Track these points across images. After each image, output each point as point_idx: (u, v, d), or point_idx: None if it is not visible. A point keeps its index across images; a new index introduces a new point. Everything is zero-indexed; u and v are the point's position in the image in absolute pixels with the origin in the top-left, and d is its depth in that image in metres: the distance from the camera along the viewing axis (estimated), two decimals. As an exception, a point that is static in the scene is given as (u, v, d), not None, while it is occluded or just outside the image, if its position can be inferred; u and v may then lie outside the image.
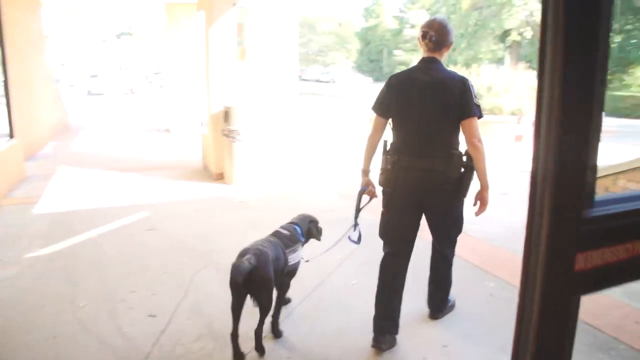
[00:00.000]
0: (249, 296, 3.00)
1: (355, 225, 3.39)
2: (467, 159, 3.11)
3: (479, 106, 3.05)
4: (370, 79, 60.42)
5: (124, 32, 50.58)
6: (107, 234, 5.41)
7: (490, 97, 16.98)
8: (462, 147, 3.17)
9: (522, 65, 20.30)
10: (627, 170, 7.60)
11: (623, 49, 36.09)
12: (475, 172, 3.12)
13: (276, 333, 3.34)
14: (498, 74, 18.54)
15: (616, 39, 37.98)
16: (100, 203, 6.67)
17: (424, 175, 3.06)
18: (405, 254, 3.25)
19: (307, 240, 3.64)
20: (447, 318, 3.67)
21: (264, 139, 7.58)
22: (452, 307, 3.75)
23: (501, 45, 34.15)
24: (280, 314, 3.41)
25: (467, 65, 22.70)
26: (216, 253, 4.79)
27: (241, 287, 2.90)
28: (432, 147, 3.06)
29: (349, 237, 3.45)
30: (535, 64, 1.03)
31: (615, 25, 37.87)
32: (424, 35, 3.06)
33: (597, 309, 3.73)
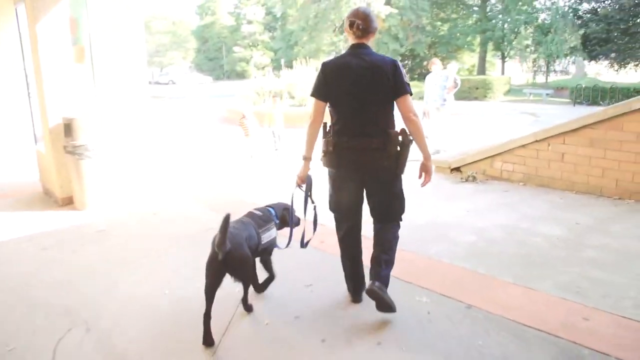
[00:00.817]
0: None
1: (305, 210, 3.57)
2: (403, 137, 3.30)
3: (409, 84, 3.29)
4: (210, 78, 58.97)
5: None
6: None
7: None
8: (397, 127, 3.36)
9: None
10: (502, 153, 7.61)
11: (451, 36, 38.90)
12: (409, 149, 3.34)
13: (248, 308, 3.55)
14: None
15: (444, 27, 40.99)
16: None
17: (364, 154, 3.27)
18: (356, 223, 3.57)
19: (281, 226, 3.83)
20: (391, 347, 3.05)
21: (116, 152, 6.43)
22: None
23: (342, 37, 34.87)
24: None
25: (312, 57, 22.67)
26: (82, 307, 3.71)
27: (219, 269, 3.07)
28: (370, 126, 3.27)
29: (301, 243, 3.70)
30: None
31: (442, 15, 40.73)
32: (352, 24, 3.31)
33: (539, 308, 3.57)
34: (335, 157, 3.35)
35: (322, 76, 3.35)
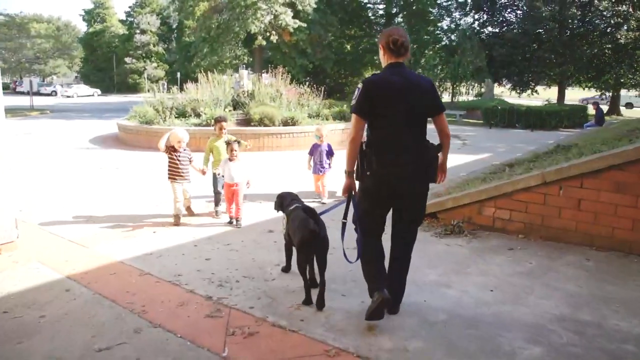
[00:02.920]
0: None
1: (344, 226, 3.72)
2: (434, 149, 3.61)
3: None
4: (98, 90, 54.42)
5: None
6: None
7: (255, 105, 14.82)
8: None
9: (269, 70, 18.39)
10: (496, 196, 5.92)
11: (358, 53, 38.06)
12: (438, 160, 3.66)
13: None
14: (257, 82, 16.49)
15: (349, 44, 40.13)
16: None
17: (404, 168, 3.46)
18: (379, 235, 3.74)
19: None
20: None
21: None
22: None
23: (246, 50, 32.79)
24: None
25: (213, 70, 20.35)
26: None
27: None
28: (410, 142, 3.48)
29: (346, 257, 3.76)
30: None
31: (349, 32, 39.85)
32: (396, 42, 3.48)
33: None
34: (376, 172, 3.47)
35: (365, 93, 3.44)
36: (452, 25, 35.19)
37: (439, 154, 3.63)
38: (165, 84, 38.03)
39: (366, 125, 3.50)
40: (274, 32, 28.47)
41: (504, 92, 37.67)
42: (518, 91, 33.80)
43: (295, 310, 3.78)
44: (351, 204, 3.62)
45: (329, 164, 7.60)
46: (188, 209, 6.59)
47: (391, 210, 3.73)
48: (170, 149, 6.36)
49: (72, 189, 8.29)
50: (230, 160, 6.18)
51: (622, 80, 30.72)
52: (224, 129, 6.83)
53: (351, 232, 3.78)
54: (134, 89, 57.60)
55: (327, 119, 15.66)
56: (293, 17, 28.66)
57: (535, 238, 5.69)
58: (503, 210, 5.90)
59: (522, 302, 4.02)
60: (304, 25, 29.32)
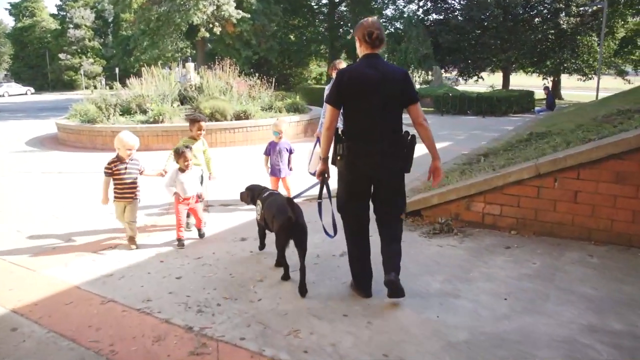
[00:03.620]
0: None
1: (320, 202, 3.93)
2: (410, 140, 3.64)
3: (417, 92, 3.75)
4: (31, 89, 51.63)
5: None
6: None
7: (205, 99, 14.06)
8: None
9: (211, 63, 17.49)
10: (485, 191, 5.53)
11: (303, 44, 37.45)
12: (414, 150, 3.71)
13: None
14: (207, 75, 15.65)
15: (293, 34, 39.46)
16: None
17: (377, 156, 3.55)
18: (364, 222, 3.84)
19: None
20: None
21: None
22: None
23: (188, 43, 31.61)
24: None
25: (155, 64, 19.34)
26: None
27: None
28: (383, 131, 3.56)
29: (325, 231, 3.97)
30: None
31: (293, 22, 39.13)
32: (371, 35, 3.56)
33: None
34: (350, 160, 3.61)
35: (338, 85, 3.61)
36: (397, 13, 35.11)
37: (413, 145, 3.69)
38: (104, 80, 36.36)
39: (341, 114, 3.68)
40: (217, 24, 27.44)
41: (451, 79, 37.97)
42: (464, 78, 33.97)
43: (294, 338, 3.22)
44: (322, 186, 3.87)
45: (289, 166, 6.46)
46: (131, 240, 5.14)
47: (372, 209, 3.85)
48: (114, 164, 4.99)
49: (12, 200, 7.34)
50: (182, 170, 5.13)
51: (565, 65, 31.35)
52: (202, 130, 5.70)
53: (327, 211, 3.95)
54: (71, 86, 54.99)
55: (280, 112, 15.07)
56: (236, 8, 27.71)
57: (529, 234, 5.33)
58: (493, 205, 5.51)
59: (542, 311, 3.60)
60: (248, 15, 28.43)
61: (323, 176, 3.79)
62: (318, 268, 4.40)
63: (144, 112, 13.76)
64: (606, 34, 27.13)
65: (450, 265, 4.52)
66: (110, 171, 4.97)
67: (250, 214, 6.26)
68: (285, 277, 4.14)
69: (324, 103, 6.99)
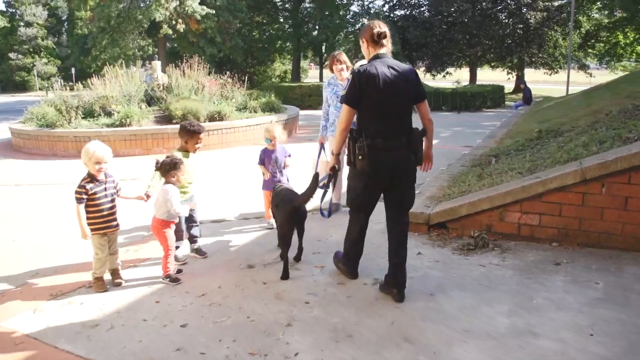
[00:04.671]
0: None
1: (325, 192, 4.23)
2: (419, 134, 3.75)
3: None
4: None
5: None
6: None
7: (176, 100, 13.08)
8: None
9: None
10: (522, 199, 4.87)
11: (269, 41, 36.43)
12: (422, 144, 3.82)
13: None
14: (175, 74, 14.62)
15: (258, 31, 38.39)
16: None
17: (395, 152, 3.66)
18: (368, 213, 4.01)
19: None
20: None
21: None
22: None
23: (150, 41, 30.31)
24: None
25: (116, 63, 18.17)
26: None
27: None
28: (401, 128, 3.70)
29: (321, 211, 4.56)
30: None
31: (258, 18, 38.07)
32: (380, 35, 3.71)
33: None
34: (372, 158, 3.62)
35: (357, 85, 3.64)
36: (363, 10, 34.44)
37: (423, 139, 3.81)
38: (60, 80, 34.63)
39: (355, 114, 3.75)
40: (180, 20, 26.24)
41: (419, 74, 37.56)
42: (433, 73, 33.62)
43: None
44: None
45: (286, 176, 5.42)
46: (115, 273, 4.16)
47: (384, 203, 3.95)
48: (87, 186, 3.86)
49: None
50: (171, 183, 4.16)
51: (533, 59, 31.34)
52: (199, 144, 4.67)
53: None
54: (23, 87, 52.38)
55: (255, 112, 14.16)
56: (200, 4, 26.57)
57: (572, 245, 4.71)
58: (531, 215, 4.85)
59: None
60: (212, 11, 27.31)
61: (334, 169, 3.96)
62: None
63: (109, 114, 12.63)
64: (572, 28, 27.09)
65: (506, 290, 3.82)
66: (82, 196, 3.86)
67: (248, 232, 5.45)
68: (285, 276, 4.18)
69: (325, 104, 6.30)
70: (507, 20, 30.57)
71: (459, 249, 4.74)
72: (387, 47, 3.78)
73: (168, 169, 4.10)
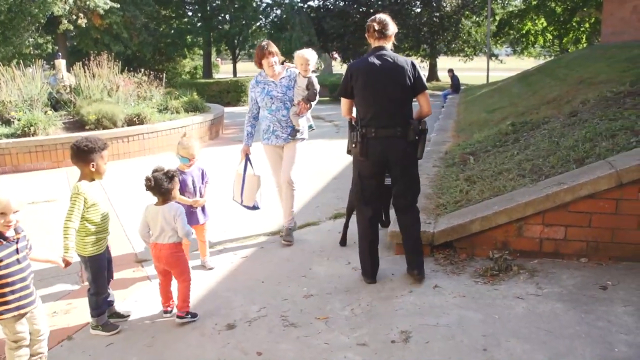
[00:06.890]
0: None
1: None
2: (421, 127, 3.76)
3: (425, 82, 3.90)
4: None
5: None
6: None
7: (87, 103, 11.54)
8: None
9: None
10: (545, 210, 4.13)
11: (179, 35, 34.47)
12: (426, 136, 3.88)
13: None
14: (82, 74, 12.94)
15: (165, 25, 36.24)
16: None
17: (389, 141, 3.71)
18: (376, 210, 4.02)
19: None
20: None
21: None
22: None
23: (49, 38, 27.64)
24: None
25: (10, 62, 16.05)
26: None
27: None
28: (394, 118, 3.72)
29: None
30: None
31: (165, 12, 35.94)
32: (369, 28, 3.80)
33: None
34: (364, 145, 3.72)
35: (349, 77, 3.79)
36: (274, 1, 33.34)
37: (426, 128, 3.81)
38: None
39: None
40: (81, 15, 24.01)
41: (335, 65, 37.02)
42: (349, 63, 33.13)
43: None
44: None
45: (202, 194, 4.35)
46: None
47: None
48: None
49: None
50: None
51: (451, 47, 31.63)
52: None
53: None
54: None
55: (178, 112, 12.83)
56: (103, -3, 24.44)
57: (604, 260, 4.04)
58: (555, 227, 4.12)
59: None
60: (117, 5, 25.23)
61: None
62: None
63: (7, 122, 10.85)
64: (486, 16, 27.44)
65: (574, 336, 3.02)
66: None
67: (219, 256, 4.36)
68: (343, 242, 4.74)
69: (254, 106, 5.01)
70: (422, 9, 30.58)
71: (479, 275, 3.92)
72: (389, 40, 3.82)
73: (167, 182, 3.38)
